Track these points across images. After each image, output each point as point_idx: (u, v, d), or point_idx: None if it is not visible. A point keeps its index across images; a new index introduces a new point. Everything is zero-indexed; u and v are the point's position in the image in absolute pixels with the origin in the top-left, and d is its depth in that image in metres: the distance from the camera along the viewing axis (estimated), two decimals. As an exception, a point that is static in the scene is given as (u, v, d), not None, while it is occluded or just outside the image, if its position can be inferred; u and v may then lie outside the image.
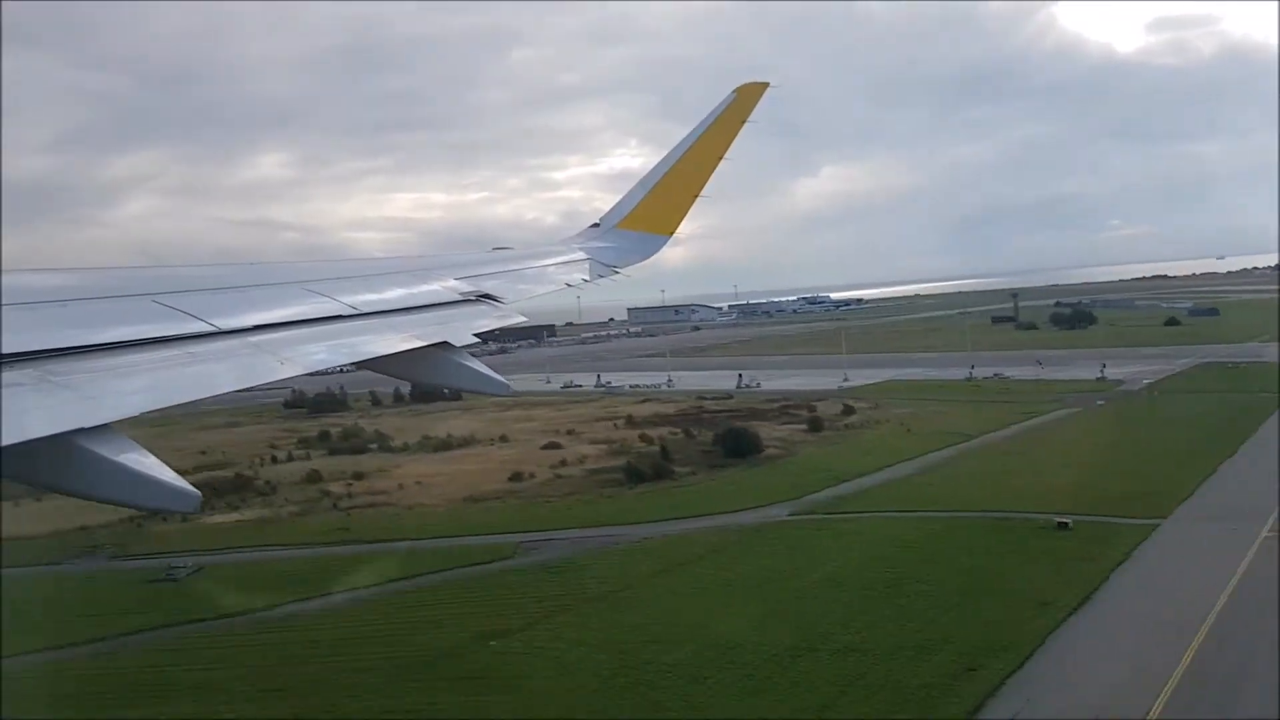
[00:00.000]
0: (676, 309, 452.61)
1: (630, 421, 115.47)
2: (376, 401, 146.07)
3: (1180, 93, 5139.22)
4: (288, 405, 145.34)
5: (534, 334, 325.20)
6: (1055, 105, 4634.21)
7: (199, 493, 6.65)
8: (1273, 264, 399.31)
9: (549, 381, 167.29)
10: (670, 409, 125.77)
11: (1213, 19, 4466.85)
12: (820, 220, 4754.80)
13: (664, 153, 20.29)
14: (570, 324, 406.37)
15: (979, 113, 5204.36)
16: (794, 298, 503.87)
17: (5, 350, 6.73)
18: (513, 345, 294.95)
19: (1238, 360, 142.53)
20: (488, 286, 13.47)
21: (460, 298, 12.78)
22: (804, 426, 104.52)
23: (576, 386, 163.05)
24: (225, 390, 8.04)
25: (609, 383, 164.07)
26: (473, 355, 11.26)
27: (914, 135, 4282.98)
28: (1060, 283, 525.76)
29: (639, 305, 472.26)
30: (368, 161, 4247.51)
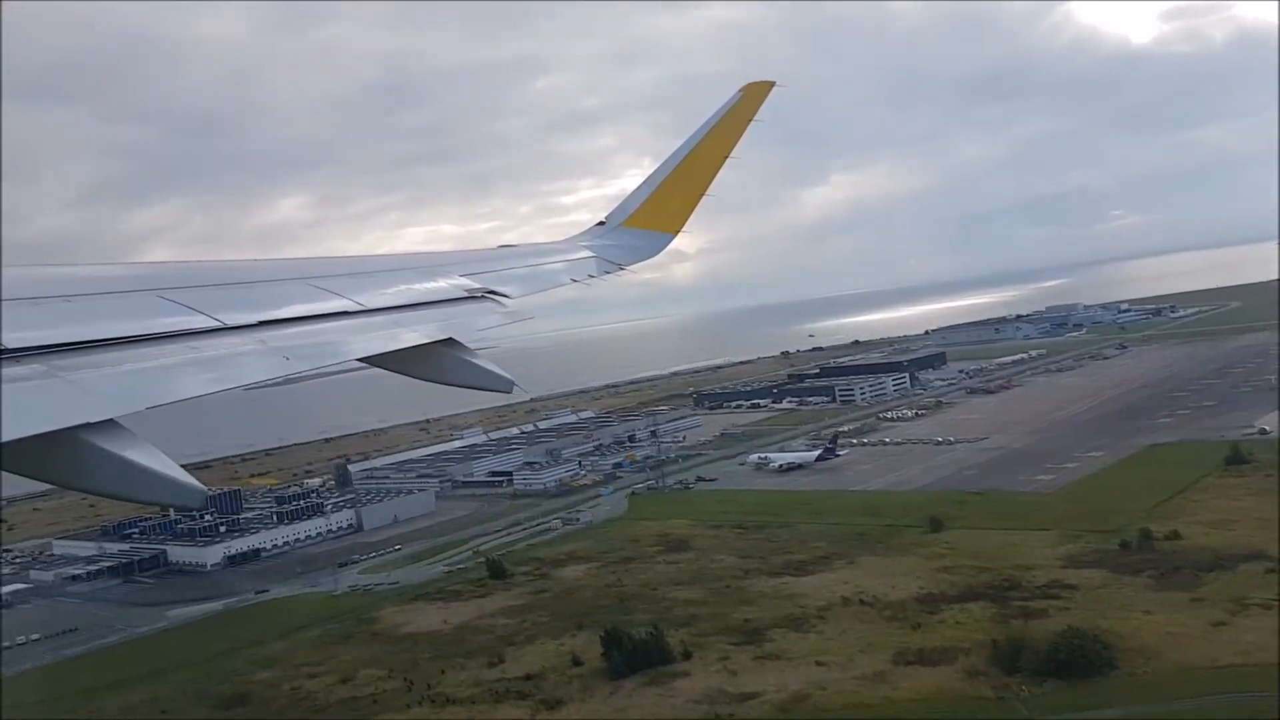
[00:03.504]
0: (996, 326, 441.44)
1: None
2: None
3: (1193, 79, 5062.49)
4: (1230, 462, 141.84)
5: (932, 361, 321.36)
6: (1069, 100, 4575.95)
7: (204, 488, 6.81)
8: None
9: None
10: None
11: (1224, 5, 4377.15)
12: (831, 227, 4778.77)
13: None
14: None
15: (993, 110, 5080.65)
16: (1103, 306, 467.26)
17: (11, 345, 6.81)
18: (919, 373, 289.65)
19: None
20: (494, 284, 13.43)
21: (466, 295, 12.73)
22: None
23: None
24: (229, 387, 7.99)
25: None
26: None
27: (929, 136, 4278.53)
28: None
29: (940, 325, 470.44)
30: (384, 198, 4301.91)
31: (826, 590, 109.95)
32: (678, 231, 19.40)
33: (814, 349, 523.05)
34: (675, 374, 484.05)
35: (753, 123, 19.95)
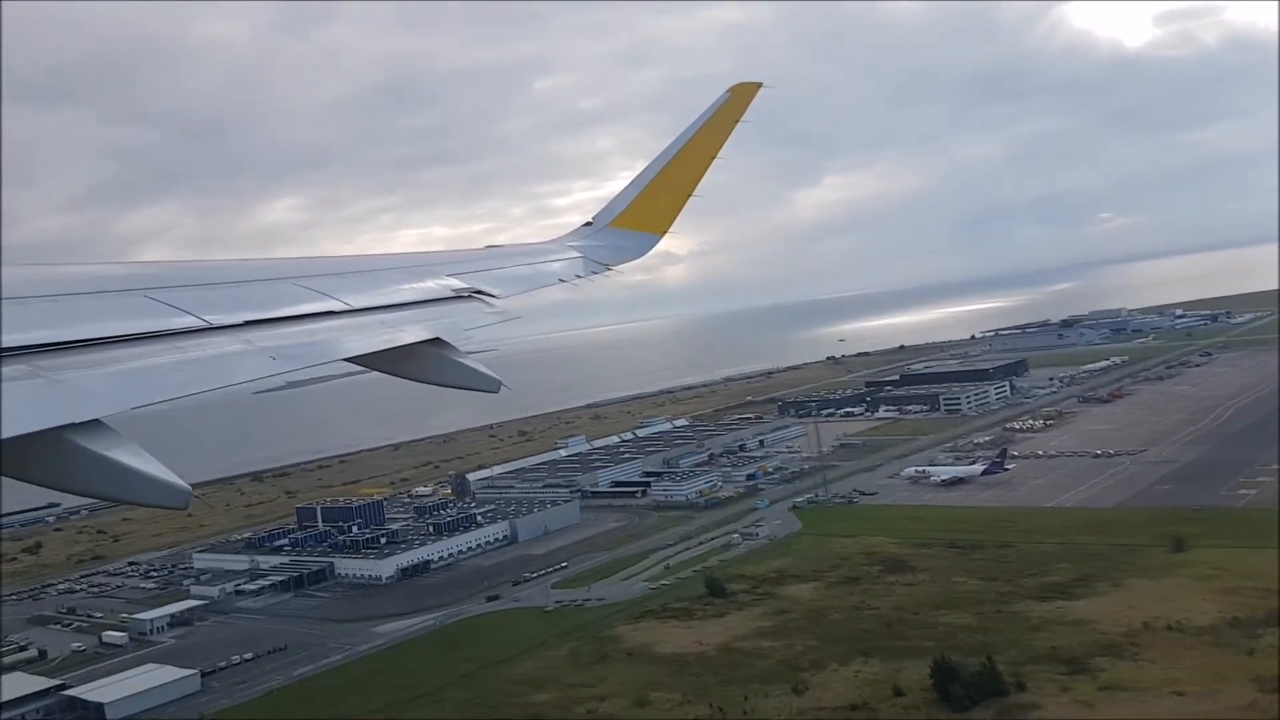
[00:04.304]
0: (1060, 332, 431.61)
1: None
2: None
3: (1185, 82, 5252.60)
4: None
5: (1015, 368, 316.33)
6: (1067, 101, 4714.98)
7: (189, 487, 6.60)
8: None
9: None
10: None
11: (1217, 9, 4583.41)
12: (827, 229, 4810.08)
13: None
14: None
15: (993, 111, 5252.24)
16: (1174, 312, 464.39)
17: None
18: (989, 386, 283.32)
19: None
20: (481, 284, 13.44)
21: (454, 294, 12.74)
22: None
23: None
24: (215, 387, 7.91)
25: None
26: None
27: (929, 136, 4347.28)
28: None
29: (1003, 328, 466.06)
30: (380, 200, 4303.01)
31: (1117, 615, 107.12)
32: (664, 232, 19.17)
33: (860, 354, 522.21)
34: (728, 380, 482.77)
35: (747, 124, 19.62)
